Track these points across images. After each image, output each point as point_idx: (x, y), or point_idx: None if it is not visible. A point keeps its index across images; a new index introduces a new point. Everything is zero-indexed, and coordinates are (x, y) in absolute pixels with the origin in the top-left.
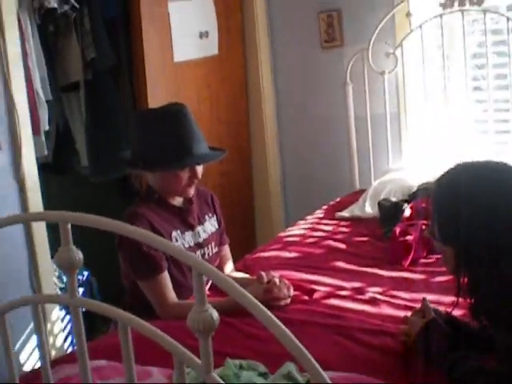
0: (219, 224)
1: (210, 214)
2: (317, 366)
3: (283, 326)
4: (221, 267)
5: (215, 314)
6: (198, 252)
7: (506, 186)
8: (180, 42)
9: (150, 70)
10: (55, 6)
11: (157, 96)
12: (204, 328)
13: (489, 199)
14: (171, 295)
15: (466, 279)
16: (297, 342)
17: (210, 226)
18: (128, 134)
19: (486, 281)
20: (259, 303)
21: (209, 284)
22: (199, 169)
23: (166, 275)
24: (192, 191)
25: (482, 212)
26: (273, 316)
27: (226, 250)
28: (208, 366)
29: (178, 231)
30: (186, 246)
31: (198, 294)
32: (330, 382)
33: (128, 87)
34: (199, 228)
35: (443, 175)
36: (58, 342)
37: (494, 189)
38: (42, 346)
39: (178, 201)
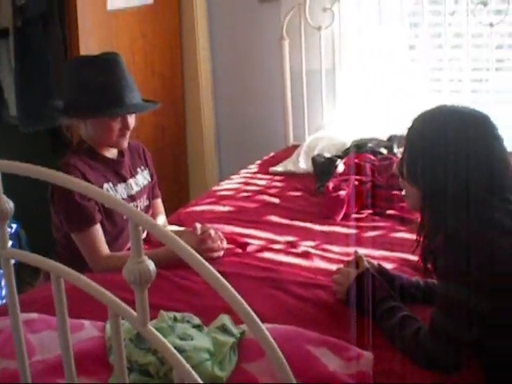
0: (151, 177)
1: (142, 167)
2: (254, 316)
3: (220, 277)
4: None
5: (152, 266)
6: (131, 204)
7: (481, 134)
8: None
9: (82, 18)
10: None
11: (89, 45)
12: (140, 279)
13: (461, 145)
14: (104, 248)
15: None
16: (234, 292)
17: (142, 178)
18: (59, 82)
19: (443, 226)
20: (195, 253)
21: (143, 236)
22: (130, 119)
23: (98, 227)
24: (125, 143)
25: (453, 157)
26: (210, 266)
27: (159, 203)
28: (144, 319)
29: (110, 183)
30: (119, 198)
31: (134, 245)
32: (266, 332)
33: (59, 35)
34: (131, 180)
35: (420, 115)
36: None
37: (469, 136)
38: None
39: (111, 153)
